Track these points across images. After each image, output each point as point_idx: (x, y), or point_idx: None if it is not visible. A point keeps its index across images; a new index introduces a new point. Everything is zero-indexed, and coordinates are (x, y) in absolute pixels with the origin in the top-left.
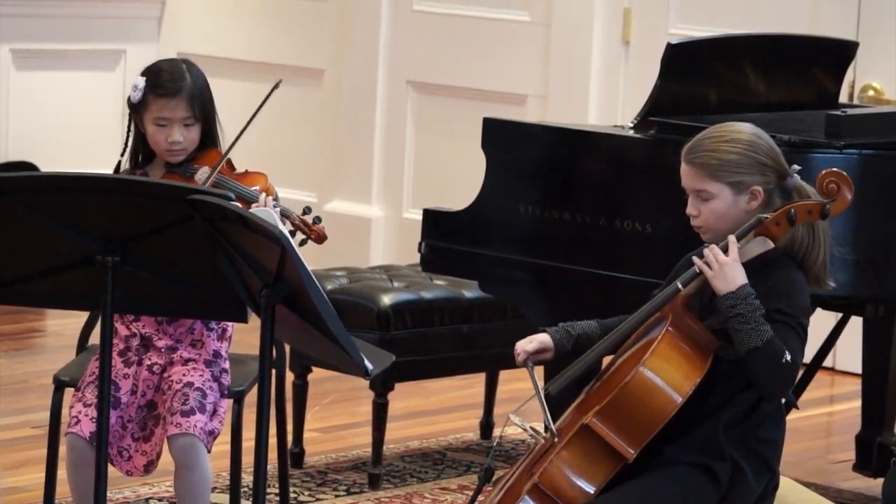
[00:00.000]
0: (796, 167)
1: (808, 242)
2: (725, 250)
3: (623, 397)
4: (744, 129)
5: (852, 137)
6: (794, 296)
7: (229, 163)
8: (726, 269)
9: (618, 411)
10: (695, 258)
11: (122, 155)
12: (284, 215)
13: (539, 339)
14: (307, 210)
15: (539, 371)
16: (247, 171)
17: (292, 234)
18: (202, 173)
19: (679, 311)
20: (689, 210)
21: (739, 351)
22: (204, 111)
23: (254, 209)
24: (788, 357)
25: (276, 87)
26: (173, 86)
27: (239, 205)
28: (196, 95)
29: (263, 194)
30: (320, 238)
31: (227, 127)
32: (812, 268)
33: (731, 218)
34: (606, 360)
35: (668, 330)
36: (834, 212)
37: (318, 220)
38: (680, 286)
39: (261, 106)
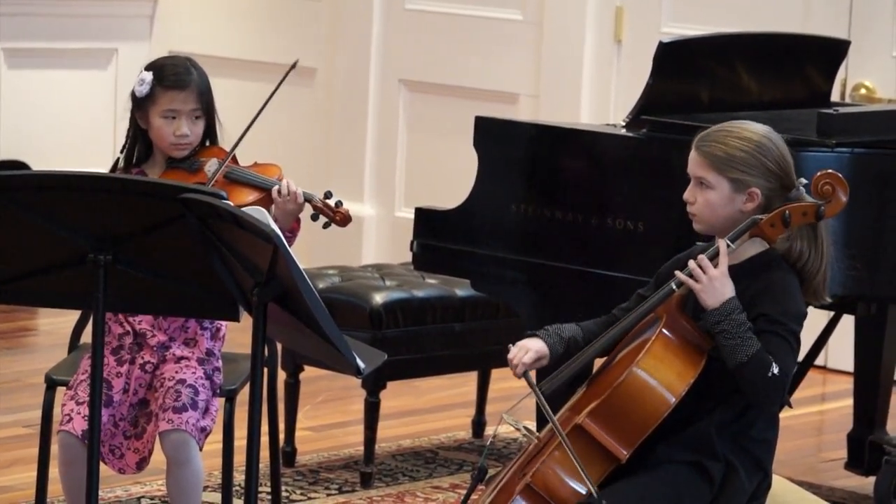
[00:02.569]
0: (803, 181)
1: (808, 253)
2: (714, 256)
3: (616, 397)
4: (757, 131)
5: (844, 136)
6: (786, 300)
7: (234, 158)
8: (715, 284)
9: (611, 411)
10: (678, 273)
11: (122, 152)
12: (307, 199)
13: (535, 349)
14: (329, 194)
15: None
16: (255, 162)
17: (315, 217)
18: (211, 165)
19: (673, 312)
20: (687, 195)
21: (728, 364)
22: (208, 106)
23: (246, 208)
24: (776, 370)
25: (293, 66)
26: (182, 78)
27: (231, 203)
28: (204, 90)
29: (284, 181)
30: (345, 220)
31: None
32: (811, 280)
33: (724, 213)
34: (600, 360)
35: (661, 330)
36: (829, 213)
37: (339, 203)
38: (674, 287)
39: (277, 87)
